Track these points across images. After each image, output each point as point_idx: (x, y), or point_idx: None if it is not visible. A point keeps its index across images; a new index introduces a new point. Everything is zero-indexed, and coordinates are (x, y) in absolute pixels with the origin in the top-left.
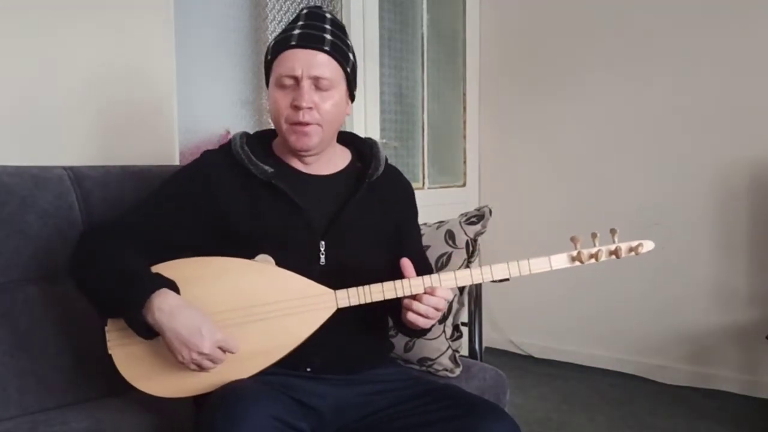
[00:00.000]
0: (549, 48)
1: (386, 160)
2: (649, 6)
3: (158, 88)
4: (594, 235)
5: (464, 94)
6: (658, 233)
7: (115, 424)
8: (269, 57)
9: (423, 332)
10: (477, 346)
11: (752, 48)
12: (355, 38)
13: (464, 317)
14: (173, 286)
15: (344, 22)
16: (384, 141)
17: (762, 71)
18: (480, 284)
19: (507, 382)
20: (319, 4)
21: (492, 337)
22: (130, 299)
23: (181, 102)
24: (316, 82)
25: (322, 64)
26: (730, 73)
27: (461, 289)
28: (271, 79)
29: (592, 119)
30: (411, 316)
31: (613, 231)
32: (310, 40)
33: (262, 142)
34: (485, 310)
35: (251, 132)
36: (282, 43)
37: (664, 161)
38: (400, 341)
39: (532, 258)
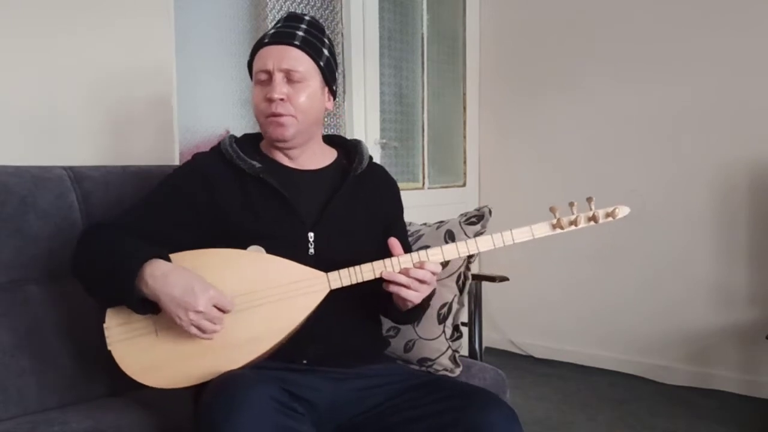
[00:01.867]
0: (549, 48)
1: (371, 158)
2: (649, 7)
3: (158, 88)
4: (572, 204)
5: (464, 94)
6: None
7: (115, 424)
8: (249, 59)
9: (416, 314)
10: (477, 346)
11: (752, 48)
12: (355, 38)
13: (464, 317)
14: (164, 256)
15: (344, 22)
16: (384, 141)
17: (762, 71)
18: (480, 284)
19: (507, 382)
20: (318, 5)
21: (492, 337)
22: (122, 274)
23: (182, 102)
24: (288, 75)
25: (293, 57)
26: (730, 73)
27: (461, 289)
28: (253, 79)
29: (592, 119)
30: (393, 288)
31: (589, 199)
32: (282, 37)
33: (251, 142)
34: (485, 310)
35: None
36: (258, 43)
37: (664, 161)
38: (399, 341)
39: (514, 228)
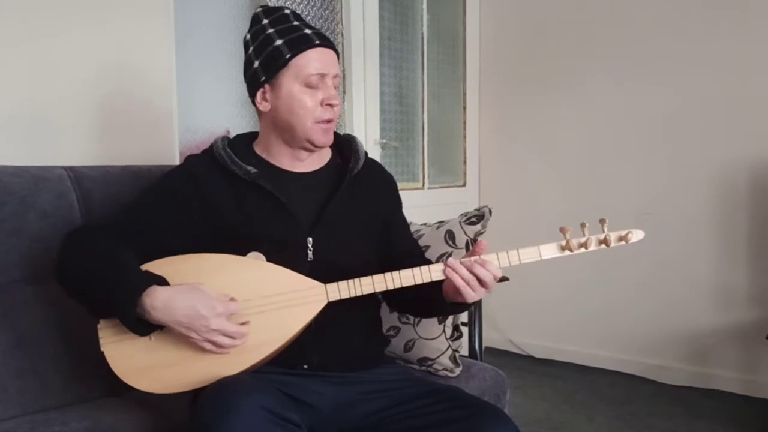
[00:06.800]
0: (548, 48)
1: (366, 154)
2: (648, 7)
3: (158, 88)
4: (583, 225)
5: (464, 94)
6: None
7: (115, 424)
8: (287, 55)
9: (456, 309)
10: (477, 346)
11: (752, 48)
12: (355, 38)
13: (464, 317)
14: (161, 281)
15: (344, 22)
16: (384, 141)
17: (761, 71)
18: None
19: (507, 382)
20: (318, 5)
21: (492, 337)
22: (120, 303)
23: (181, 102)
24: (334, 81)
25: (336, 63)
26: (729, 73)
27: None
28: (289, 78)
29: (591, 119)
30: (459, 283)
31: (602, 221)
32: (326, 40)
33: (243, 144)
34: (485, 310)
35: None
36: (301, 42)
37: (663, 161)
38: (399, 341)
39: (521, 248)
